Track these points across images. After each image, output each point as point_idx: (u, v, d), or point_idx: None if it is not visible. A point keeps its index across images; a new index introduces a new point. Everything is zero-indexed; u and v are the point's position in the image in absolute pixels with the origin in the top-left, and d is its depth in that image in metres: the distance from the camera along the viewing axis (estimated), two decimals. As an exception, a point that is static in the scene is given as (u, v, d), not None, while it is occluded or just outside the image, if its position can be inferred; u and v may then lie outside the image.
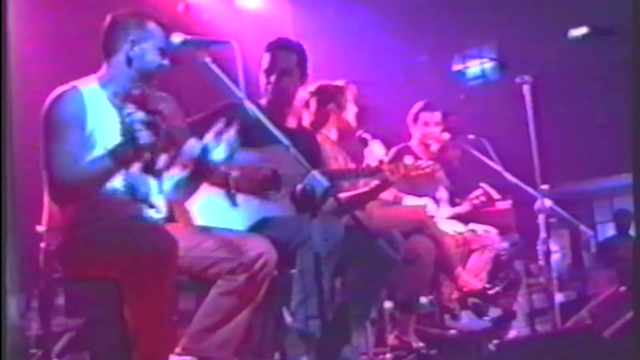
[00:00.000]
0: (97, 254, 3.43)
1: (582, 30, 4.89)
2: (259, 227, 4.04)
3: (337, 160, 5.16)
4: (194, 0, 7.08)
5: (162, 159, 3.71)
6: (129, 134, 3.39)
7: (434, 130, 6.21)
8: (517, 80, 5.23)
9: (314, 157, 4.33)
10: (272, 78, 4.43)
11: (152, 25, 3.68)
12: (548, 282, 5.28)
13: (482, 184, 6.07)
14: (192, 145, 3.68)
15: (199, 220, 3.94)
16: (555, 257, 5.93)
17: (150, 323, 3.34)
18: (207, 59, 3.52)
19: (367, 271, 4.21)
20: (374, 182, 4.65)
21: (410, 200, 5.80)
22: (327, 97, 5.26)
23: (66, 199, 3.50)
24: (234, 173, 4.04)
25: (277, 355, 4.18)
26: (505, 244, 6.06)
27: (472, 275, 5.76)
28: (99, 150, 3.45)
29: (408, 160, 4.60)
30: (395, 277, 4.44)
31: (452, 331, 5.55)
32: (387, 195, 5.52)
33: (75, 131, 3.46)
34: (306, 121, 5.16)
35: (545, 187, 5.13)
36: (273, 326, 4.16)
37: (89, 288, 3.79)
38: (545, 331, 5.36)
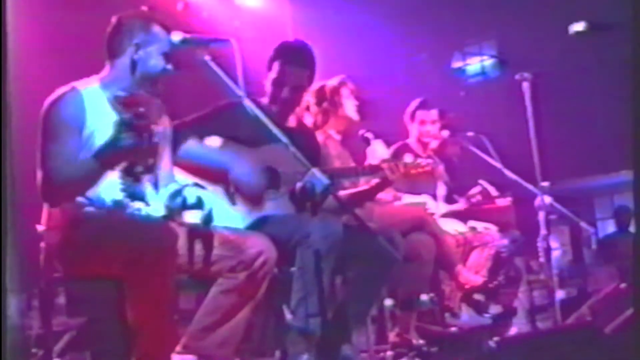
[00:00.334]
0: (98, 251, 3.43)
1: (581, 26, 4.88)
2: (258, 225, 4.05)
3: (341, 159, 5.17)
4: (193, -1, 7.09)
5: (146, 162, 3.70)
6: (113, 134, 3.39)
7: (430, 128, 6.20)
8: (517, 77, 5.23)
9: (314, 156, 4.33)
10: (284, 92, 4.40)
11: (157, 29, 3.68)
12: (548, 279, 5.28)
13: (481, 181, 6.06)
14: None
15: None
16: (555, 254, 5.93)
17: (151, 321, 3.35)
18: (207, 58, 3.53)
19: (367, 269, 4.21)
20: (374, 181, 4.65)
21: (410, 198, 5.80)
22: (323, 97, 5.27)
23: (56, 200, 3.51)
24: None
25: (277, 353, 4.18)
26: (505, 241, 6.06)
27: (473, 272, 5.77)
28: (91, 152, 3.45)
29: (408, 158, 4.60)
30: (395, 274, 4.44)
31: (453, 328, 5.56)
32: (386, 195, 5.53)
33: (73, 133, 3.46)
34: (308, 122, 5.17)
35: (545, 184, 5.14)
36: (273, 324, 4.17)
37: (89, 287, 3.80)
38: (546, 328, 5.36)
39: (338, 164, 5.06)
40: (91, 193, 3.51)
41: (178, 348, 3.57)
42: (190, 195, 3.62)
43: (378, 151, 5.07)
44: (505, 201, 6.15)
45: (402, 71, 8.53)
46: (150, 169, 3.72)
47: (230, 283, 3.60)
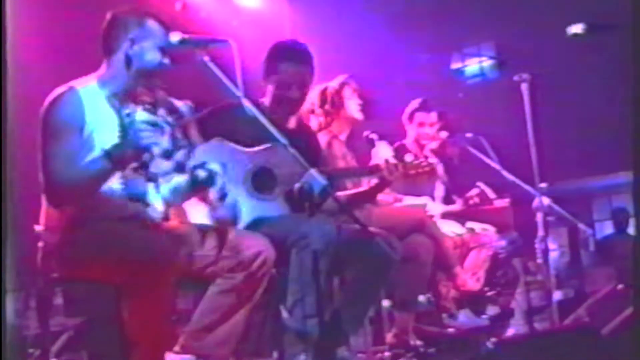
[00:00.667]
0: (95, 257, 3.42)
1: (579, 28, 4.88)
2: (253, 226, 4.05)
3: (346, 160, 5.18)
4: (192, -1, 7.08)
5: (163, 163, 3.70)
6: (127, 134, 3.39)
7: (429, 130, 6.22)
8: (516, 78, 5.23)
9: (314, 157, 4.33)
10: (291, 92, 4.45)
11: (151, 24, 3.67)
12: (546, 280, 5.29)
13: (479, 183, 6.07)
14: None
15: (195, 219, 3.94)
16: (553, 255, 5.94)
17: (149, 325, 3.34)
18: (205, 58, 3.52)
19: (365, 270, 4.21)
20: (373, 181, 4.65)
21: (409, 200, 5.80)
22: (325, 99, 5.28)
23: (62, 202, 3.49)
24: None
25: (275, 354, 4.18)
26: (503, 242, 6.07)
27: (470, 273, 5.77)
28: (97, 152, 3.44)
29: (407, 158, 4.60)
30: (393, 276, 4.44)
31: (450, 329, 5.56)
32: (387, 196, 5.53)
33: (73, 133, 3.45)
34: (314, 124, 5.18)
35: (543, 185, 5.14)
36: (271, 325, 4.16)
37: (87, 288, 3.79)
38: (544, 329, 5.36)
39: (342, 164, 5.07)
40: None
41: (176, 348, 3.56)
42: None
43: (382, 152, 5.07)
44: (503, 202, 6.15)
45: (400, 72, 8.51)
46: (167, 173, 3.73)
47: (229, 283, 3.59)
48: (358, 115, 5.35)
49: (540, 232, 5.07)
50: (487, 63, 9.53)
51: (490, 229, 6.11)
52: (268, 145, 4.13)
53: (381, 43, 8.23)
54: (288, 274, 3.92)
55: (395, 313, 5.23)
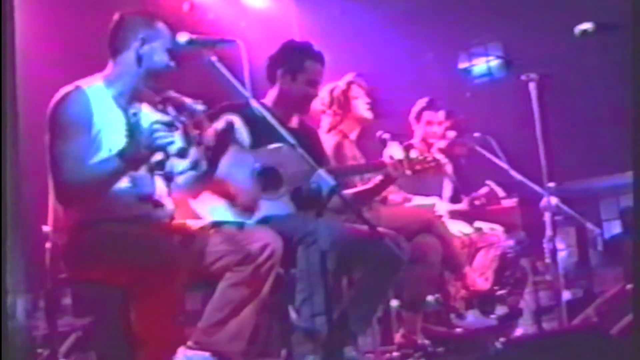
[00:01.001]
0: (103, 260, 3.43)
1: (587, 27, 4.87)
2: (261, 224, 4.05)
3: (356, 160, 5.18)
4: (199, 0, 7.08)
5: (179, 162, 3.71)
6: (136, 133, 3.39)
7: (437, 129, 6.22)
8: (523, 77, 5.21)
9: (318, 156, 4.34)
10: (316, 90, 4.62)
11: (160, 25, 3.69)
12: (554, 280, 5.27)
13: (489, 182, 6.06)
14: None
15: (202, 216, 3.95)
16: (561, 254, 5.92)
17: (157, 325, 3.34)
18: (213, 58, 3.52)
19: (373, 270, 4.21)
20: (378, 178, 4.65)
21: (418, 200, 5.80)
22: (334, 99, 5.29)
23: (73, 201, 3.49)
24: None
25: (283, 355, 4.18)
26: (511, 242, 6.06)
27: (478, 273, 5.76)
28: (104, 151, 3.44)
29: (413, 154, 4.59)
30: (401, 276, 4.43)
31: (459, 329, 5.55)
32: (396, 196, 5.53)
33: (81, 132, 3.45)
34: (325, 125, 5.19)
35: (551, 184, 5.12)
36: (279, 325, 4.16)
37: (95, 288, 3.79)
38: (552, 329, 5.35)
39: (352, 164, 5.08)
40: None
41: (189, 343, 3.55)
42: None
43: (395, 153, 5.07)
44: (511, 202, 6.14)
45: (407, 71, 8.50)
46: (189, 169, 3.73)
47: (239, 276, 3.58)
48: (367, 114, 5.35)
49: (548, 232, 5.05)
50: (494, 62, 9.50)
51: (498, 228, 6.10)
52: (274, 144, 4.14)
53: (388, 42, 8.23)
54: (296, 272, 3.92)
55: (404, 313, 5.23)
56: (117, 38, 3.69)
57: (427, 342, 5.16)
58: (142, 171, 3.59)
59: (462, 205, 6.17)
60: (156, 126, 3.35)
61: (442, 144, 6.23)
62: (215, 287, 3.61)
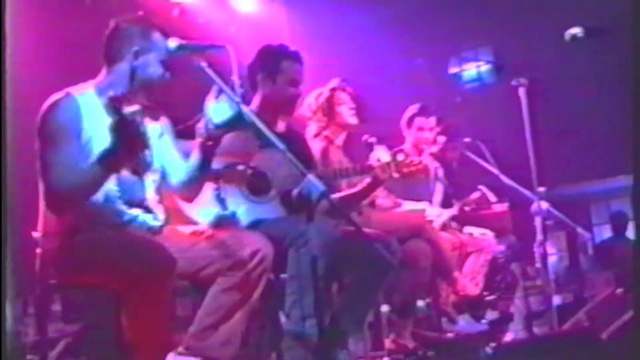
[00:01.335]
0: (94, 265, 3.42)
1: (577, 31, 4.88)
2: (251, 228, 4.06)
3: (342, 164, 5.17)
4: (190, 5, 7.08)
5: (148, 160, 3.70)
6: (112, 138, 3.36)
7: (428, 135, 6.22)
8: (513, 82, 5.22)
9: (306, 160, 4.34)
10: (298, 90, 4.58)
11: (156, 36, 3.66)
12: (545, 285, 5.28)
13: (481, 187, 6.07)
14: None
15: (193, 221, 3.95)
16: (552, 259, 5.95)
17: (147, 331, 3.32)
18: (203, 63, 3.51)
19: (363, 275, 4.21)
20: (366, 180, 4.65)
21: (409, 205, 5.80)
22: (319, 105, 5.27)
23: (62, 208, 3.48)
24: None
25: (273, 358, 4.17)
26: (501, 247, 6.06)
27: (469, 278, 5.77)
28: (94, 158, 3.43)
29: (399, 157, 4.60)
30: (392, 281, 4.44)
31: (450, 334, 5.55)
32: (386, 201, 5.53)
33: (72, 139, 3.43)
34: (312, 131, 5.19)
35: (541, 189, 5.13)
36: (269, 330, 4.16)
37: (85, 294, 3.79)
38: (543, 333, 5.36)
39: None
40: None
41: (180, 349, 3.55)
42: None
43: (381, 157, 5.07)
44: (501, 207, 6.15)
45: (398, 77, 8.52)
46: (151, 166, 3.71)
47: (229, 281, 3.57)
48: (351, 121, 5.32)
49: (539, 237, 5.07)
50: (484, 67, 9.55)
51: (489, 233, 6.11)
52: (262, 148, 4.14)
53: (378, 47, 8.24)
54: (286, 277, 3.92)
55: (394, 318, 5.22)
56: (112, 47, 3.67)
57: (418, 347, 5.15)
58: (132, 176, 3.58)
59: (453, 210, 6.18)
60: (116, 127, 3.30)
61: (434, 149, 6.24)
62: (205, 293, 3.61)
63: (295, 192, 3.95)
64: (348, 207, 4.59)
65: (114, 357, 3.51)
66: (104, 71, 3.68)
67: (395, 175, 4.49)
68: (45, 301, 3.77)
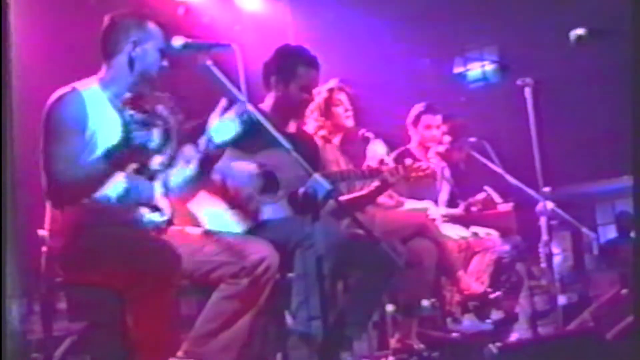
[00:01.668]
0: (99, 263, 3.42)
1: (582, 32, 4.87)
2: (256, 230, 4.05)
3: (338, 164, 5.17)
4: (195, 3, 7.08)
5: (158, 160, 3.69)
6: (123, 134, 3.37)
7: (435, 133, 6.22)
8: (519, 82, 5.21)
9: (314, 161, 4.34)
10: (311, 96, 4.61)
11: (152, 26, 3.68)
12: (550, 285, 5.27)
13: (486, 187, 6.07)
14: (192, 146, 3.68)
15: (200, 222, 3.94)
16: (557, 259, 5.92)
17: (152, 330, 3.33)
18: (208, 62, 3.51)
19: (369, 275, 4.21)
20: (374, 184, 4.66)
21: (412, 204, 5.80)
22: (317, 105, 5.27)
23: (64, 202, 3.48)
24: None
25: (279, 358, 4.17)
26: (507, 247, 6.06)
27: (474, 278, 5.77)
28: (99, 153, 3.44)
29: (408, 161, 4.61)
30: (397, 280, 4.43)
31: (454, 334, 5.55)
32: (389, 200, 5.52)
33: (76, 134, 3.45)
34: (310, 129, 5.18)
35: (547, 189, 5.13)
36: (275, 330, 4.16)
37: (91, 292, 3.79)
38: (548, 334, 5.34)
39: (335, 168, 5.06)
40: (97, 195, 3.49)
41: (179, 353, 3.55)
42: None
43: (378, 151, 5.07)
44: (506, 207, 6.14)
45: (403, 76, 8.50)
46: (165, 166, 3.71)
47: (232, 289, 3.59)
48: (347, 123, 5.32)
49: (544, 237, 5.06)
50: (489, 67, 9.52)
51: (494, 233, 6.11)
52: (271, 149, 4.13)
53: (383, 47, 8.23)
54: (292, 277, 3.92)
55: (399, 318, 5.22)
56: (109, 42, 3.68)
57: (422, 346, 5.15)
58: (140, 176, 3.58)
59: (458, 210, 6.18)
60: (133, 126, 3.33)
61: (440, 148, 6.24)
62: (210, 293, 3.61)
63: (301, 191, 3.95)
64: (355, 209, 4.60)
65: (119, 356, 3.51)
66: (104, 67, 3.69)
67: (404, 179, 4.52)
68: (51, 299, 3.77)
